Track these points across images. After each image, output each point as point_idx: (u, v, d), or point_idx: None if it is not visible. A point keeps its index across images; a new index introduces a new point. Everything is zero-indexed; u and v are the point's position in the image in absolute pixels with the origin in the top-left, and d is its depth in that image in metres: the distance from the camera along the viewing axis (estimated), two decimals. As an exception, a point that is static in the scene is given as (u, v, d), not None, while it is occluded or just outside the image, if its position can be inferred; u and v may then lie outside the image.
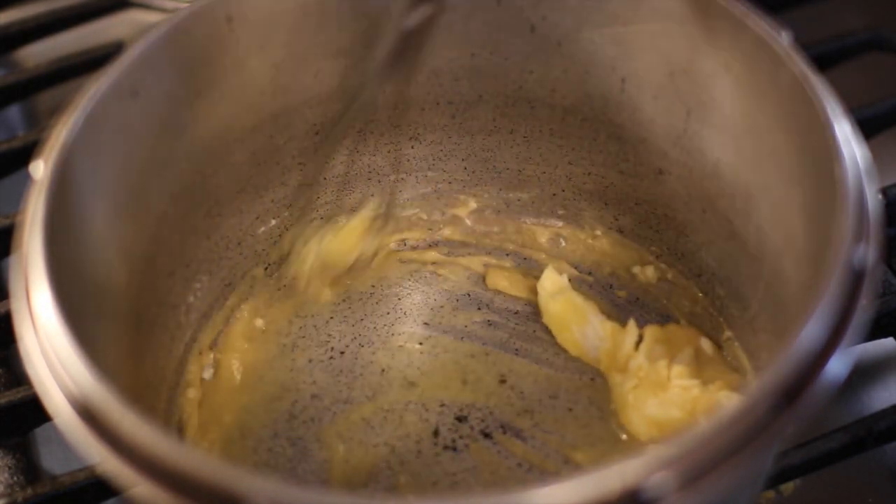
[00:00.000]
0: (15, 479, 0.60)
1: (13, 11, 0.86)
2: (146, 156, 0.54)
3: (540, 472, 0.56)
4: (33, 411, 0.61)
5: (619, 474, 0.39)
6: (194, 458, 0.40)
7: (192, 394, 0.59)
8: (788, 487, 0.62)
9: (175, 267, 0.58)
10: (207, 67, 0.55)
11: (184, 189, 0.57)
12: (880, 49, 0.78)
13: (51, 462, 0.64)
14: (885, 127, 0.73)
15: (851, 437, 0.59)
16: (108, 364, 0.46)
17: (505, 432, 0.57)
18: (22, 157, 0.70)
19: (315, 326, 0.62)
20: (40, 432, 0.64)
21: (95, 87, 0.51)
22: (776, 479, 0.59)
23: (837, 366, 0.42)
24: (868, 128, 0.70)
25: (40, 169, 0.48)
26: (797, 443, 0.59)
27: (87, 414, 0.42)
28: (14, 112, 0.86)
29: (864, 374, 0.69)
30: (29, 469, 0.61)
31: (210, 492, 0.39)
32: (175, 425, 0.57)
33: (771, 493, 0.62)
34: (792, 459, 0.58)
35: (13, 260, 0.47)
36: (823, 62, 0.52)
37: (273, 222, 0.63)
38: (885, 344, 0.66)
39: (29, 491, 0.59)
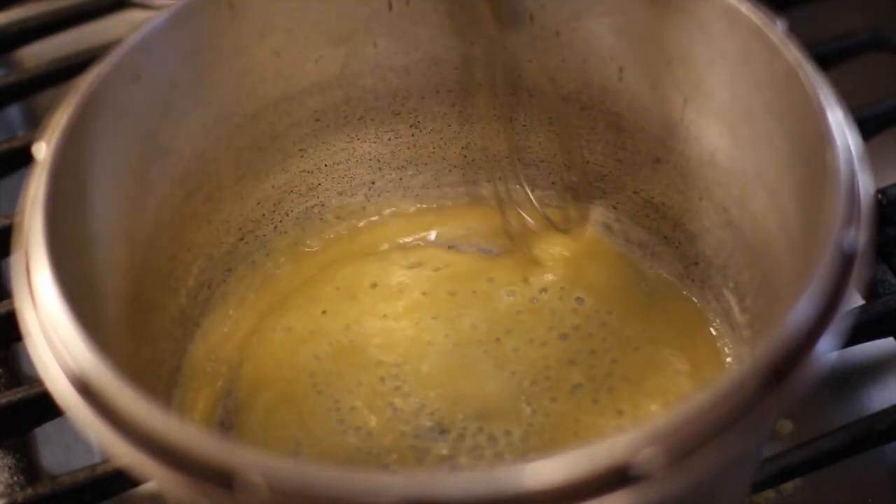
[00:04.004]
0: (15, 479, 0.61)
1: (13, 11, 0.86)
2: (147, 140, 0.55)
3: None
4: (33, 411, 0.62)
5: (607, 451, 0.39)
6: (189, 432, 0.41)
7: (195, 378, 0.59)
8: (788, 487, 0.62)
9: (175, 250, 0.58)
10: (209, 53, 0.56)
11: (185, 173, 0.57)
12: (880, 49, 0.78)
13: (51, 462, 0.64)
14: (884, 127, 0.73)
15: (851, 437, 0.59)
16: (107, 344, 0.46)
17: None
18: (22, 157, 0.70)
19: (314, 312, 0.62)
20: (40, 432, 0.64)
21: (97, 71, 0.52)
22: (776, 479, 0.59)
23: (826, 347, 0.42)
24: (868, 128, 0.70)
25: (42, 150, 0.49)
26: (797, 443, 0.59)
27: (86, 390, 0.42)
28: (14, 112, 0.86)
29: (864, 374, 0.69)
30: (29, 469, 0.62)
31: (205, 466, 0.40)
32: (176, 407, 0.58)
33: (771, 493, 0.62)
34: (792, 459, 0.59)
35: (13, 260, 0.47)
36: (823, 62, 0.53)
37: (273, 208, 0.63)
38: (885, 344, 0.66)
39: (29, 491, 0.59)
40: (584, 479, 0.39)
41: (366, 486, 0.39)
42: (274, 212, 0.63)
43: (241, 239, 0.62)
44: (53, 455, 0.65)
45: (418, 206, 0.66)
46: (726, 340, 0.59)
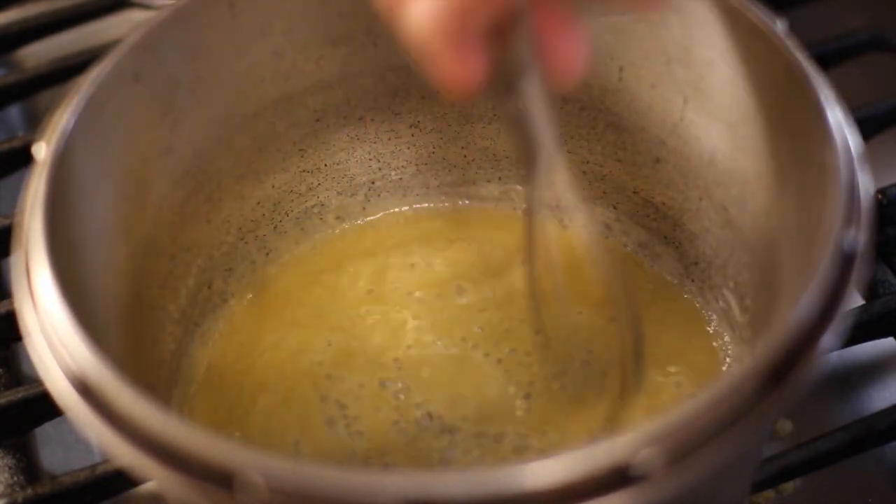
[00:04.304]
0: (15, 479, 0.61)
1: (13, 11, 0.87)
2: (147, 140, 0.55)
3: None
4: (33, 411, 0.62)
5: (607, 451, 0.39)
6: (189, 432, 0.41)
7: (193, 378, 0.59)
8: (788, 487, 0.62)
9: (175, 250, 0.58)
10: (209, 53, 0.56)
11: (185, 174, 0.57)
12: (880, 49, 0.78)
13: (51, 462, 0.64)
14: (885, 127, 0.73)
15: (851, 437, 0.59)
16: (107, 344, 0.46)
17: None
18: (22, 157, 0.70)
19: (314, 313, 0.62)
20: (40, 432, 0.64)
21: (97, 71, 0.52)
22: (776, 479, 0.59)
23: (825, 347, 0.42)
24: (868, 128, 0.70)
25: (42, 151, 0.49)
26: (797, 443, 0.59)
27: (86, 390, 0.42)
28: (14, 112, 0.86)
29: (864, 374, 0.69)
30: (29, 469, 0.62)
31: (205, 466, 0.40)
32: (175, 407, 0.57)
33: (771, 493, 0.62)
34: (792, 459, 0.59)
35: (13, 260, 0.47)
36: (823, 62, 0.53)
37: (273, 208, 0.63)
38: (885, 344, 0.66)
39: (29, 491, 0.59)
40: (583, 479, 0.39)
41: (366, 486, 0.39)
42: (274, 212, 0.63)
43: (241, 239, 0.62)
44: (53, 455, 0.65)
45: (418, 206, 0.66)
46: (726, 340, 0.59)
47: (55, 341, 0.44)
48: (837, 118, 0.47)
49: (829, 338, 0.42)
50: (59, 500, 0.58)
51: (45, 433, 0.64)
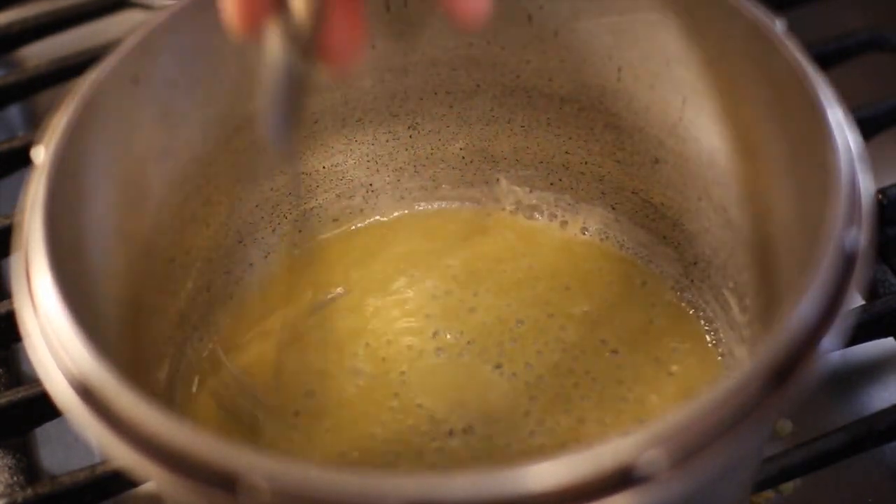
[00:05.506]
0: (15, 479, 0.61)
1: (13, 11, 0.87)
2: (146, 143, 0.54)
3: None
4: (33, 411, 0.62)
5: (611, 452, 0.39)
6: (191, 435, 0.40)
7: (193, 381, 0.59)
8: (788, 487, 0.62)
9: (174, 253, 0.58)
10: (208, 55, 0.56)
11: (183, 176, 0.57)
12: (880, 49, 0.78)
13: (51, 462, 0.64)
14: (885, 127, 0.74)
15: (851, 437, 0.59)
16: (107, 346, 0.46)
17: None
18: (22, 157, 0.70)
19: (315, 316, 0.62)
20: (40, 432, 0.64)
21: (96, 74, 0.51)
22: (776, 479, 0.59)
23: (828, 347, 0.42)
24: (868, 128, 0.70)
25: (41, 154, 0.49)
26: (797, 443, 0.60)
27: (86, 393, 0.42)
28: (14, 112, 0.86)
29: (864, 374, 0.69)
30: (29, 469, 0.62)
31: (207, 469, 0.40)
32: (176, 409, 0.57)
33: (771, 493, 0.62)
34: (792, 459, 0.59)
35: (13, 260, 0.47)
36: (823, 62, 0.53)
37: (272, 210, 0.63)
38: (885, 344, 0.66)
39: (29, 491, 0.59)
40: (587, 480, 0.39)
41: (369, 488, 0.38)
42: (272, 214, 0.63)
43: (240, 241, 0.62)
44: (53, 455, 0.65)
45: (416, 207, 0.66)
46: (726, 340, 0.59)
47: (55, 344, 0.44)
48: (837, 118, 0.47)
49: (830, 338, 0.42)
50: (59, 500, 0.59)
51: (45, 433, 0.64)
